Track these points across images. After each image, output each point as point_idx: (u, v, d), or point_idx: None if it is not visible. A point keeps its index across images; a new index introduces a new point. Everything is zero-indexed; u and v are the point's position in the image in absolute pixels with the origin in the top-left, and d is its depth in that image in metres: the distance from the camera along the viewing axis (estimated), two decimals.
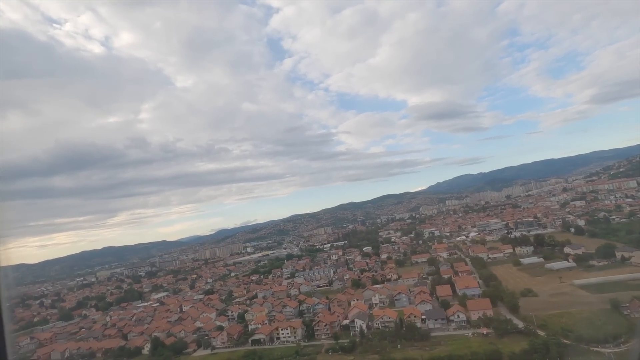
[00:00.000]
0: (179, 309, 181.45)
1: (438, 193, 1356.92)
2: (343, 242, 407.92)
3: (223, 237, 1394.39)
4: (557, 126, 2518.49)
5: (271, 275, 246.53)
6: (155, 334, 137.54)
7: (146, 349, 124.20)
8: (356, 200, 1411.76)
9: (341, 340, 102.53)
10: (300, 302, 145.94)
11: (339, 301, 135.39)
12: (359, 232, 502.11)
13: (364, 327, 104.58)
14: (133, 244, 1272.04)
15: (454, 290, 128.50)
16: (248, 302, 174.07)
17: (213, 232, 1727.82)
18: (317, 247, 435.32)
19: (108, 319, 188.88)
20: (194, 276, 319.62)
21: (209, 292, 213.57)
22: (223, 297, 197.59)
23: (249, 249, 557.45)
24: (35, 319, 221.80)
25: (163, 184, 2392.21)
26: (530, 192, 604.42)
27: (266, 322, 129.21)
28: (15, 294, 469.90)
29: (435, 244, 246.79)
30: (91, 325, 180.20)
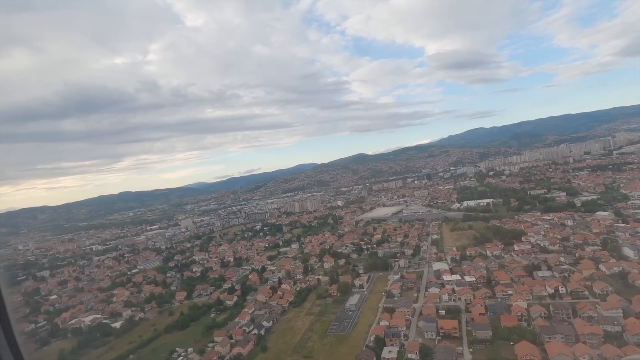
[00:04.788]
0: None
1: (451, 146, 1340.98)
2: (486, 201, 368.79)
3: (233, 185, 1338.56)
4: (575, 79, 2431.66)
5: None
6: None
7: None
8: (366, 152, 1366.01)
9: None
10: None
11: None
12: (470, 187, 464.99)
13: None
14: (150, 189, 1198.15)
15: None
16: None
17: (222, 180, 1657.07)
18: (446, 204, 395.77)
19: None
20: (401, 240, 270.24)
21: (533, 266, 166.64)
22: None
23: (339, 203, 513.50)
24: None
25: (171, 130, 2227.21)
26: (621, 150, 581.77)
27: None
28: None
29: None
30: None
